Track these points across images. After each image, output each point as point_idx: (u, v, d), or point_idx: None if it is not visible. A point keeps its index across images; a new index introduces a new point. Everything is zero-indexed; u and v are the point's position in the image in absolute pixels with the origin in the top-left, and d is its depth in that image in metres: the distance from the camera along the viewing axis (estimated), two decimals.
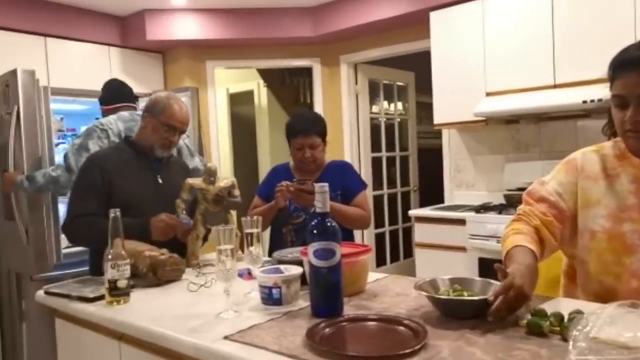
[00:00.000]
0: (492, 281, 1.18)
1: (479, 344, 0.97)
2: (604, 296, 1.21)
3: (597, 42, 2.78)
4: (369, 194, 4.29)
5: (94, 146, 2.42)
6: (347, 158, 4.37)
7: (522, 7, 3.13)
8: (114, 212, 1.38)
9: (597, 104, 2.63)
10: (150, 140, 1.94)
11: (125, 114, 2.62)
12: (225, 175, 5.04)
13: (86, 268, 1.99)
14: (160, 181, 1.96)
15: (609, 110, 1.25)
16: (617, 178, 1.24)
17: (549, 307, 1.09)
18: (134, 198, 1.83)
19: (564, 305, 1.14)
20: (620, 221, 1.21)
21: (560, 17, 2.98)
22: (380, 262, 4.66)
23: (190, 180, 1.87)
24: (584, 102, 2.69)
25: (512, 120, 3.44)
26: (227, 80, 5.34)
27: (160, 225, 1.77)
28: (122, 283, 1.37)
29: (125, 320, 1.27)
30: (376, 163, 4.71)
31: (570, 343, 0.80)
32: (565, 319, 1.00)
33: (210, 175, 1.85)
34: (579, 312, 0.99)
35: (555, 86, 3.00)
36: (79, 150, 2.43)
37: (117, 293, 1.37)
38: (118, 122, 2.55)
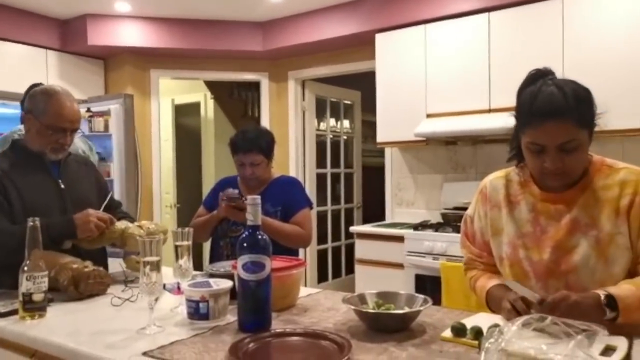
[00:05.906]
0: (417, 295, 1.21)
1: (401, 358, 0.99)
2: None
3: (529, 70, 2.94)
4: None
5: None
6: (292, 173, 4.37)
7: (461, 35, 3.28)
8: (33, 221, 1.31)
9: None
10: (37, 144, 1.67)
11: None
12: (167, 188, 4.90)
13: None
14: (62, 186, 1.71)
15: (511, 139, 1.28)
16: (517, 205, 1.30)
17: (471, 322, 1.12)
18: (36, 207, 1.58)
19: (487, 320, 1.17)
20: (517, 248, 1.27)
21: (496, 46, 3.14)
22: (322, 278, 4.66)
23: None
24: None
25: (451, 141, 3.57)
26: (173, 90, 5.24)
27: (89, 220, 1.57)
28: (37, 297, 1.29)
29: (38, 335, 1.19)
30: (321, 179, 4.74)
31: (482, 355, 0.83)
32: (485, 333, 1.03)
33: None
34: (496, 326, 1.02)
35: (490, 110, 3.15)
36: None
37: (31, 307, 1.28)
38: None
